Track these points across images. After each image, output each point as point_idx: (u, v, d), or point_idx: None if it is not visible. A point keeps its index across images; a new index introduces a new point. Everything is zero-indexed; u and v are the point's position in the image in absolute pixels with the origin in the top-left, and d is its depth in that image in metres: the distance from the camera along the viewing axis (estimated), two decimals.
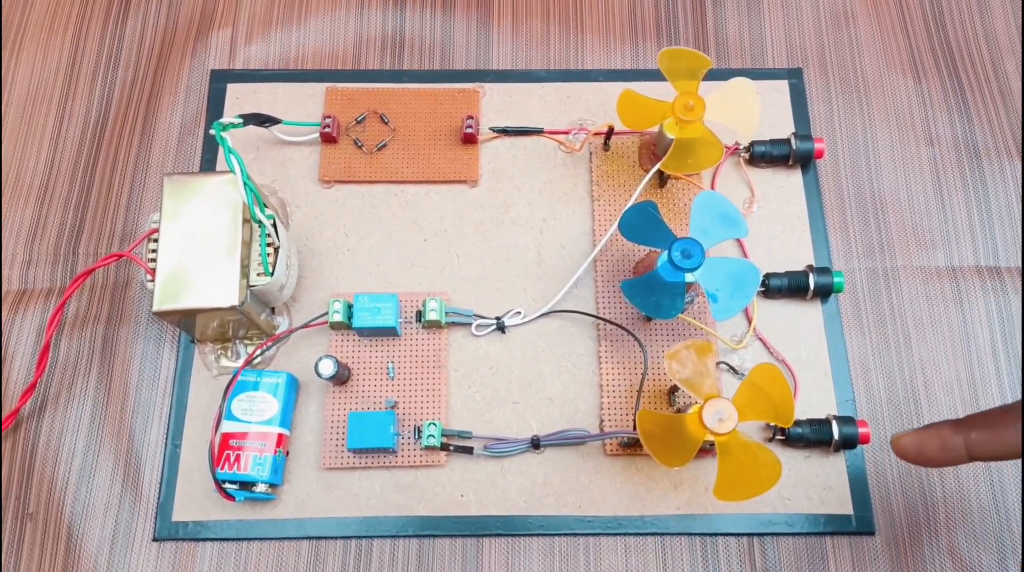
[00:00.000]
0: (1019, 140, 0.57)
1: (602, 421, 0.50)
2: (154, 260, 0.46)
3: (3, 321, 0.52)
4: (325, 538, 0.48)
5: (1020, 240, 0.55)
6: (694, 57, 0.50)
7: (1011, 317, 0.53)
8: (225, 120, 0.47)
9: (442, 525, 0.48)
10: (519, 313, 0.52)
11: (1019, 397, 0.50)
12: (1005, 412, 0.37)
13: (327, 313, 0.50)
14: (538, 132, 0.57)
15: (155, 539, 0.48)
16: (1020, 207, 0.56)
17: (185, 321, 0.48)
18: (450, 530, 0.48)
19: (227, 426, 0.47)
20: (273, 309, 0.52)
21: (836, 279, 0.51)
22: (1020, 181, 0.56)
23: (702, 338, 0.51)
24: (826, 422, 0.49)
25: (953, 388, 0.51)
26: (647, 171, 0.54)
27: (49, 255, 0.54)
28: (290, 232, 0.54)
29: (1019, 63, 0.60)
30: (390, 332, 0.50)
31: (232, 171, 0.45)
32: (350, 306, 0.50)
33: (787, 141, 0.55)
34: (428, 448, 0.48)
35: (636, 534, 0.48)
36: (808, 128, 0.57)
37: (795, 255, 0.54)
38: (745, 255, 0.54)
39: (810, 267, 0.52)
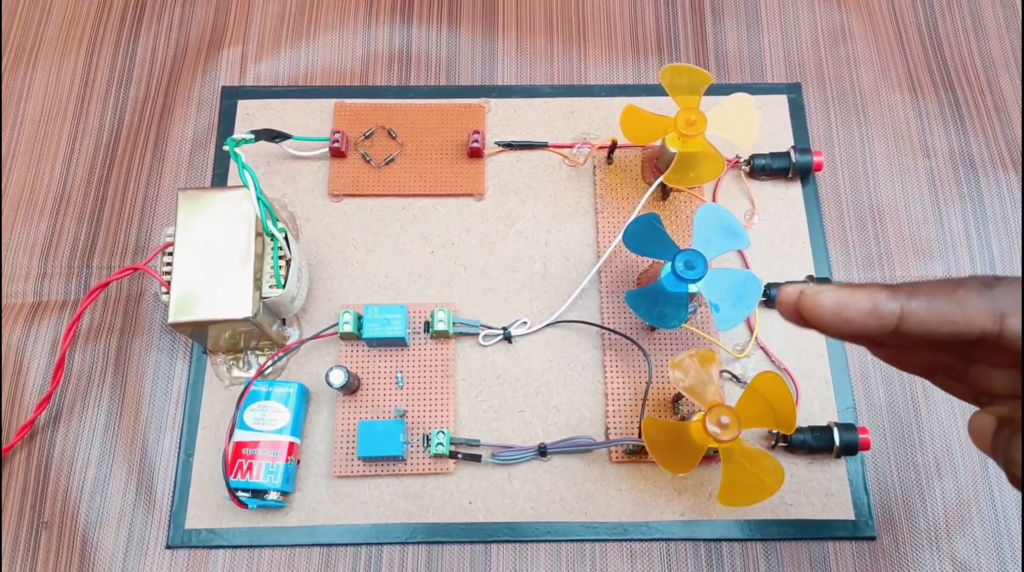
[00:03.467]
0: (1014, 152, 0.58)
1: (607, 429, 0.51)
2: (169, 273, 0.47)
3: (18, 334, 0.53)
4: (335, 545, 0.49)
5: (1016, 249, 0.56)
6: (695, 73, 0.51)
7: None
8: (238, 136, 0.49)
9: (450, 532, 0.49)
10: (525, 323, 0.53)
11: None
12: (955, 284, 0.31)
13: (337, 324, 0.51)
14: (542, 146, 0.58)
15: (168, 547, 0.49)
16: (1015, 217, 0.57)
17: (198, 332, 0.49)
18: (458, 536, 0.49)
19: (240, 435, 0.48)
20: (284, 320, 0.53)
21: None
22: (1016, 192, 0.57)
23: (705, 347, 0.52)
24: (827, 429, 0.49)
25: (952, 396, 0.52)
26: (650, 184, 0.55)
27: (63, 268, 0.55)
28: (300, 245, 0.55)
29: (1013, 80, 0.61)
30: (399, 342, 0.51)
31: (246, 186, 0.47)
32: (360, 317, 0.51)
33: (787, 154, 0.56)
34: (437, 456, 0.49)
35: (641, 540, 0.49)
36: (807, 141, 0.58)
37: (795, 266, 0.55)
38: (747, 266, 0.55)
39: (810, 277, 0.53)
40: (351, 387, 0.50)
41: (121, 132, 0.59)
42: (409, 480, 0.50)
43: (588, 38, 0.62)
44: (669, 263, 0.47)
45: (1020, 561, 0.48)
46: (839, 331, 0.32)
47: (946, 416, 0.52)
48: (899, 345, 0.32)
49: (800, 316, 0.32)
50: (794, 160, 0.56)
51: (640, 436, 0.46)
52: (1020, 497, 0.49)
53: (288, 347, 0.52)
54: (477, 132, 0.56)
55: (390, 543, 0.49)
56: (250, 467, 0.47)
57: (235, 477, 0.47)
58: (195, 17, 0.63)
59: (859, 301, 0.31)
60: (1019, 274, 0.47)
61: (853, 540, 0.49)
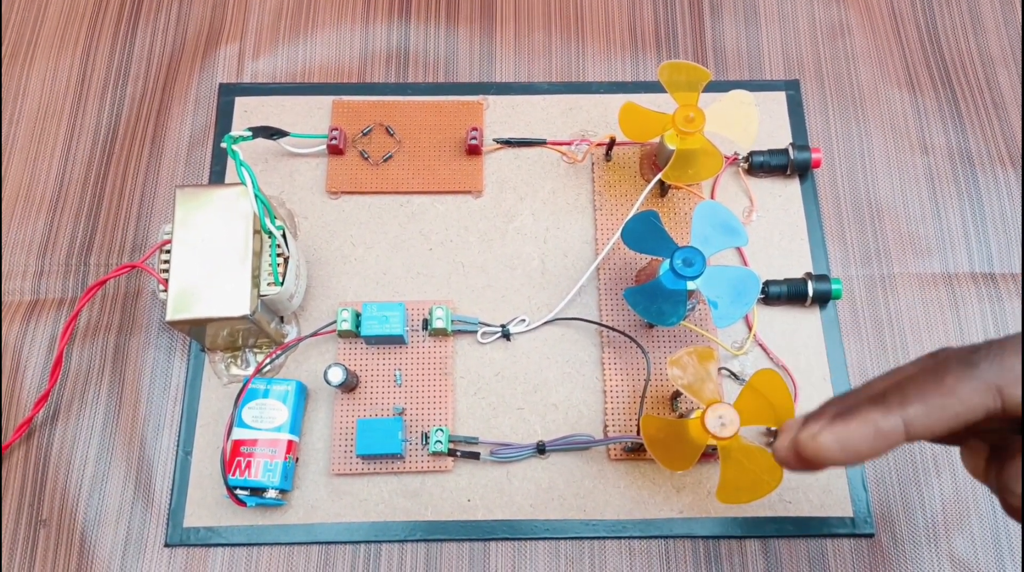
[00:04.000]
0: (1012, 149, 0.58)
1: (606, 426, 0.51)
2: (166, 271, 0.47)
3: (16, 332, 0.53)
4: (334, 543, 0.49)
5: (1014, 246, 0.56)
6: (693, 70, 0.51)
7: (1005, 322, 0.54)
8: (235, 133, 0.49)
9: (449, 529, 0.49)
10: (524, 321, 0.53)
11: None
12: (937, 375, 0.30)
13: (335, 322, 0.51)
14: (541, 143, 0.58)
15: (167, 545, 0.49)
16: (1013, 214, 0.57)
17: (196, 330, 0.49)
18: (457, 534, 0.49)
19: (238, 433, 0.48)
20: (282, 318, 0.52)
21: (834, 286, 0.52)
22: (1014, 189, 0.57)
23: (703, 344, 0.52)
24: None
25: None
26: (648, 181, 0.55)
27: (61, 266, 0.55)
28: (298, 242, 0.55)
29: (1012, 76, 0.61)
30: (397, 340, 0.51)
31: (243, 183, 0.47)
32: (358, 315, 0.51)
33: (785, 151, 0.56)
34: (435, 454, 0.49)
35: (640, 537, 0.49)
36: (805, 138, 0.58)
37: (794, 263, 0.55)
38: (745, 263, 0.55)
39: (808, 274, 0.53)
40: (349, 385, 0.50)
41: (118, 129, 0.59)
42: (408, 478, 0.50)
43: (586, 35, 0.62)
44: (667, 260, 0.47)
45: (1019, 559, 0.48)
46: (855, 462, 0.31)
47: None
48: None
49: (806, 462, 0.32)
50: (792, 157, 0.56)
51: (639, 433, 0.46)
52: None
53: (286, 345, 0.52)
54: (475, 129, 0.56)
55: (389, 541, 0.49)
56: (248, 465, 0.47)
57: (233, 475, 0.47)
58: (192, 13, 0.63)
59: (858, 430, 0.30)
60: (991, 336, 0.49)
61: (851, 537, 0.49)
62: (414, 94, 0.60)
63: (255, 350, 0.52)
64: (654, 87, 0.59)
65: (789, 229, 0.56)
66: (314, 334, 0.51)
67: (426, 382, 0.51)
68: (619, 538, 0.49)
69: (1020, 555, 0.48)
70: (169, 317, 0.45)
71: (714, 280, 0.47)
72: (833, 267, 0.55)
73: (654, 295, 0.48)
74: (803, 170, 0.56)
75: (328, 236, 0.55)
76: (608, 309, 0.53)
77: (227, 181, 0.57)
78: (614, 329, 0.52)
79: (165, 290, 0.46)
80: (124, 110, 0.60)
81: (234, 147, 0.47)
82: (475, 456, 0.50)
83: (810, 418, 0.33)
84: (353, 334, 0.51)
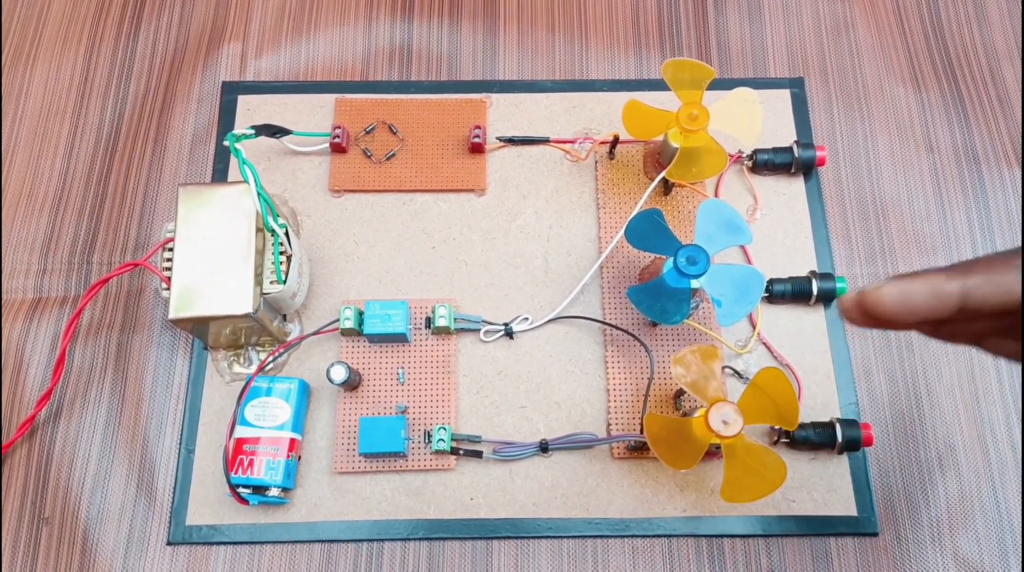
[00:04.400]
0: (1017, 146, 0.58)
1: (609, 425, 0.51)
2: (169, 269, 0.47)
3: (19, 330, 0.53)
4: (337, 541, 0.49)
5: (1018, 243, 0.55)
6: (697, 68, 0.51)
7: None
8: (238, 131, 0.48)
9: (452, 528, 0.49)
10: (527, 319, 0.53)
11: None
12: (1004, 257, 0.32)
13: (338, 320, 0.51)
14: (544, 141, 0.58)
15: (169, 543, 0.49)
16: (1018, 211, 0.56)
17: (198, 328, 0.48)
18: (460, 533, 0.49)
19: (241, 431, 0.48)
20: (285, 316, 0.52)
21: (839, 284, 0.52)
22: (1019, 186, 0.57)
23: (707, 343, 0.51)
24: (830, 425, 0.49)
25: (954, 390, 0.52)
26: (651, 179, 0.55)
27: (63, 264, 0.55)
28: (301, 241, 0.55)
29: (1017, 71, 0.61)
30: (400, 338, 0.51)
31: (246, 181, 0.46)
32: (361, 313, 0.51)
33: (789, 149, 0.56)
34: (438, 452, 0.49)
35: (643, 536, 0.49)
36: (810, 136, 0.58)
37: (798, 261, 0.55)
38: (749, 261, 0.54)
39: (813, 273, 0.53)
40: (352, 383, 0.50)
41: (121, 128, 0.59)
42: (410, 476, 0.50)
43: (589, 32, 0.62)
44: (671, 258, 0.46)
45: (1022, 558, 0.48)
46: (906, 320, 0.33)
47: (949, 412, 0.52)
48: (960, 320, 0.33)
49: (867, 315, 0.33)
50: (797, 155, 0.55)
51: (642, 432, 0.46)
52: (1020, 492, 0.49)
53: (289, 343, 0.52)
54: (478, 127, 0.56)
55: (391, 539, 0.49)
56: (251, 463, 0.47)
57: (236, 473, 0.47)
58: (195, 12, 0.63)
59: (919, 288, 0.32)
60: None
61: (855, 536, 0.49)
62: (417, 92, 0.60)
63: (258, 348, 0.52)
64: (658, 85, 0.59)
65: (793, 227, 0.56)
66: (317, 332, 0.51)
67: (429, 380, 0.51)
68: (622, 537, 0.49)
69: (1021, 553, 0.48)
70: (172, 315, 0.45)
71: (718, 278, 0.47)
72: (838, 265, 0.55)
73: (658, 293, 0.48)
74: (807, 168, 0.56)
75: (331, 234, 0.55)
76: (611, 307, 0.53)
77: (230, 179, 0.57)
78: (617, 327, 0.52)
79: (168, 288, 0.46)
80: (127, 108, 0.60)
81: (237, 145, 0.47)
82: (478, 454, 0.50)
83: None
84: (356, 332, 0.51)
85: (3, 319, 0.53)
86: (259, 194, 0.46)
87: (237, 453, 0.48)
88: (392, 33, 0.62)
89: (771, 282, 0.52)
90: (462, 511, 0.49)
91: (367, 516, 0.49)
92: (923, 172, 0.58)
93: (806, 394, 0.51)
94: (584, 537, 0.49)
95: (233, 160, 0.58)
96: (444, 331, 0.52)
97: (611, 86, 0.60)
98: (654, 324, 0.53)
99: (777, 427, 0.50)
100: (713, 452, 0.48)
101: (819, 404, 0.51)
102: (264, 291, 0.47)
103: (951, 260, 0.55)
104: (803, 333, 0.53)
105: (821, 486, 0.49)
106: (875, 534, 0.49)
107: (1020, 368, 0.52)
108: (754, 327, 0.53)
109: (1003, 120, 0.59)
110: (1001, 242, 0.56)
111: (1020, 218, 0.56)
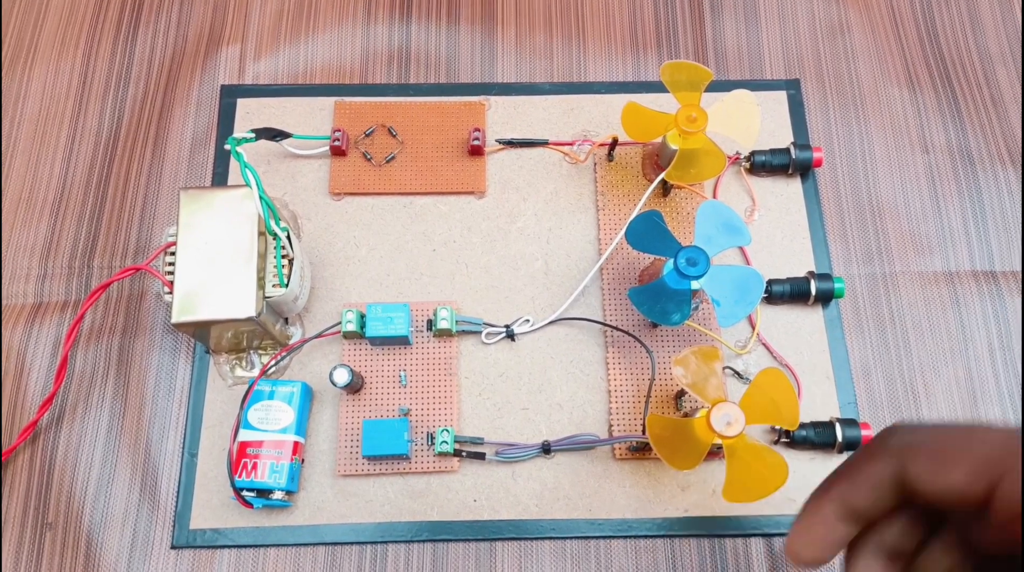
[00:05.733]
0: (1012, 147, 0.59)
1: (611, 426, 0.51)
2: (171, 273, 0.47)
3: (20, 335, 0.53)
4: (341, 544, 0.49)
5: (1015, 244, 0.56)
6: (695, 70, 0.51)
7: (1007, 319, 0.54)
8: (239, 135, 0.49)
9: (455, 530, 0.49)
10: (528, 321, 0.53)
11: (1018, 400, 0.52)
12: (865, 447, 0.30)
13: (340, 323, 0.51)
14: (543, 144, 0.58)
15: (173, 547, 0.49)
16: (1014, 212, 0.57)
17: (201, 332, 0.49)
18: (463, 534, 0.49)
19: (244, 435, 0.48)
20: (287, 319, 0.52)
21: (837, 285, 0.53)
22: (1014, 186, 0.58)
23: (707, 344, 0.52)
24: (829, 425, 0.50)
25: (952, 389, 0.52)
26: (650, 181, 0.55)
27: (64, 269, 0.55)
28: (302, 244, 0.55)
29: (1010, 73, 0.61)
30: (402, 341, 0.51)
31: (248, 185, 0.47)
32: (362, 316, 0.51)
33: (786, 151, 0.56)
34: (441, 454, 0.49)
35: (646, 536, 0.49)
36: (807, 138, 0.59)
37: (796, 262, 0.55)
38: (748, 262, 0.55)
39: (811, 273, 0.53)
40: (355, 386, 0.50)
41: (120, 131, 0.59)
42: (413, 478, 0.50)
43: (587, 35, 0.62)
44: (671, 260, 0.47)
45: (1021, 557, 0.49)
46: (834, 551, 0.32)
47: (946, 411, 0.52)
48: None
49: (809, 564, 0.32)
50: (794, 156, 0.56)
51: (644, 433, 0.46)
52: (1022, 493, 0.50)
53: (291, 346, 0.52)
54: (478, 130, 0.56)
55: (395, 541, 0.49)
56: (255, 467, 0.47)
57: (240, 477, 0.47)
58: (193, 15, 0.63)
59: (816, 526, 0.32)
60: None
61: None
62: (416, 95, 0.60)
63: (260, 352, 0.52)
64: (655, 87, 0.59)
65: (791, 228, 0.56)
66: (319, 335, 0.52)
67: (431, 383, 0.51)
68: (625, 537, 0.49)
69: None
70: (174, 319, 0.45)
71: (718, 279, 0.47)
72: (835, 266, 0.55)
73: (658, 295, 0.48)
74: (804, 169, 0.57)
75: (331, 237, 0.56)
76: (612, 309, 0.54)
77: (229, 183, 0.57)
78: (618, 329, 0.52)
79: (170, 292, 0.46)
80: (126, 112, 0.60)
81: (238, 148, 0.47)
82: (480, 456, 0.50)
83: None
84: (358, 335, 0.51)
85: (4, 324, 0.53)
86: (261, 197, 0.47)
87: (241, 457, 0.48)
88: (390, 36, 0.62)
89: (770, 283, 0.53)
90: (465, 513, 0.49)
91: (371, 518, 0.49)
92: (919, 173, 0.58)
93: (805, 394, 0.52)
94: (587, 538, 0.49)
95: (233, 163, 0.58)
96: (446, 333, 0.52)
97: (609, 88, 0.60)
98: (655, 325, 0.53)
99: (778, 427, 0.50)
100: (715, 452, 0.48)
101: (818, 403, 0.52)
102: (267, 295, 0.47)
103: (947, 260, 0.56)
104: (802, 333, 0.53)
105: None
106: None
107: (1019, 368, 0.53)
108: (753, 328, 0.53)
109: (997, 121, 0.60)
110: (996, 241, 0.56)
111: (1014, 218, 0.57)
